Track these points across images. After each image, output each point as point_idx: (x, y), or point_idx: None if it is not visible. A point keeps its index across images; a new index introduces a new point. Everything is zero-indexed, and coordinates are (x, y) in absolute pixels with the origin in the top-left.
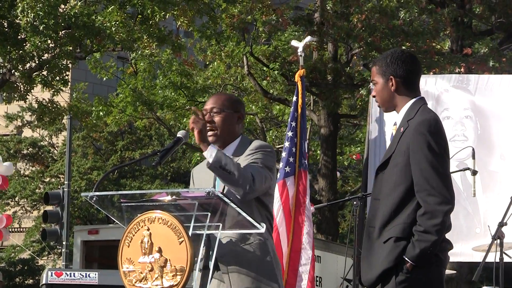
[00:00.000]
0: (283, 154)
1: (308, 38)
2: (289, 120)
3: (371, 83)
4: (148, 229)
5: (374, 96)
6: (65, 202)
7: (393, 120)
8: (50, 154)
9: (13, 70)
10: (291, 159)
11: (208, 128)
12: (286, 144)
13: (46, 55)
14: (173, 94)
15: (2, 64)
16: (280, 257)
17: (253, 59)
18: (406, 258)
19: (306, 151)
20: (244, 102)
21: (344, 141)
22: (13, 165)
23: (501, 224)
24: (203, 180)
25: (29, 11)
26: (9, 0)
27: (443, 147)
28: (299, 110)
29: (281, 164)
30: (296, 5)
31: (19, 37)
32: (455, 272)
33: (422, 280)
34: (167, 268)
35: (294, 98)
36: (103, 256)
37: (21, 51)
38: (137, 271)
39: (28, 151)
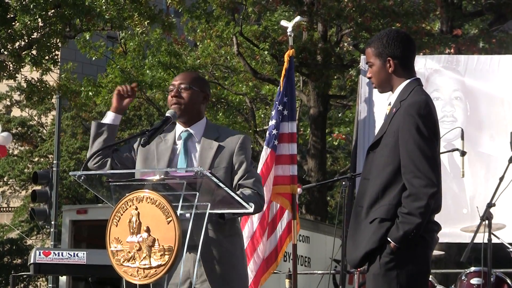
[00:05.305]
0: (268, 135)
1: (298, 18)
2: (275, 99)
3: (360, 64)
4: (136, 209)
5: (369, 78)
6: (54, 181)
7: (383, 101)
8: (39, 134)
9: (2, 49)
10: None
11: (174, 101)
12: (271, 122)
13: (35, 34)
14: (162, 74)
15: None
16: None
17: (243, 39)
18: (389, 239)
19: (294, 131)
20: (209, 83)
21: (333, 121)
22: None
23: (490, 205)
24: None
25: None
26: None
27: (432, 130)
28: (281, 89)
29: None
30: None
31: (8, 16)
32: (444, 253)
33: (406, 261)
34: (155, 248)
35: (282, 78)
36: (92, 235)
37: (10, 30)
38: (125, 250)
39: (17, 131)
